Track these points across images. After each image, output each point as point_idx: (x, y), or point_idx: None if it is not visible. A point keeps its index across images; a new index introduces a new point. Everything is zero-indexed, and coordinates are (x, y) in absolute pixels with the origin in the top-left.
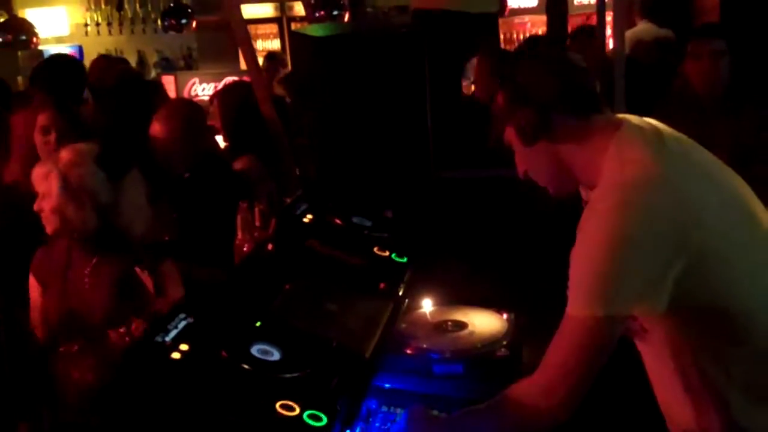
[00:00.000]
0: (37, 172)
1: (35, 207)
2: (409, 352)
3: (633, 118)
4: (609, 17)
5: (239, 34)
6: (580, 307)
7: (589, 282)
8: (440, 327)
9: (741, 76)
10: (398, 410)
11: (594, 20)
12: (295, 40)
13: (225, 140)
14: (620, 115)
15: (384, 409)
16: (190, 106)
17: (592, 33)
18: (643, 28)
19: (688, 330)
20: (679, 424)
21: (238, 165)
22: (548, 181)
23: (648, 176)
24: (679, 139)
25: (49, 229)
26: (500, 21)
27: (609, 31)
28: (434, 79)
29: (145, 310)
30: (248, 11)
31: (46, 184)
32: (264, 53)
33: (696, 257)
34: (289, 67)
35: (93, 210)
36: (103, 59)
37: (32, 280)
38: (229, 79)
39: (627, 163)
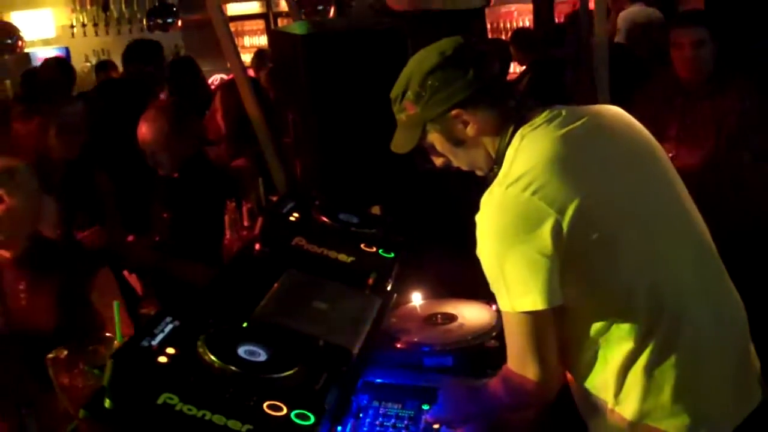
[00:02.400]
0: None
1: None
2: (399, 346)
3: (549, 108)
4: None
5: (221, 33)
6: (501, 304)
7: (493, 280)
8: (430, 320)
9: (725, 60)
10: (389, 405)
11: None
12: (277, 38)
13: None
14: (535, 105)
15: (375, 404)
16: (176, 104)
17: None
18: (634, 10)
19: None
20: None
21: (233, 164)
22: (476, 168)
23: (529, 177)
24: (586, 128)
25: None
26: (486, 11)
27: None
28: None
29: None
30: (234, 8)
31: None
32: (251, 50)
33: (572, 250)
34: None
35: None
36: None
37: None
38: (217, 76)
39: (514, 164)
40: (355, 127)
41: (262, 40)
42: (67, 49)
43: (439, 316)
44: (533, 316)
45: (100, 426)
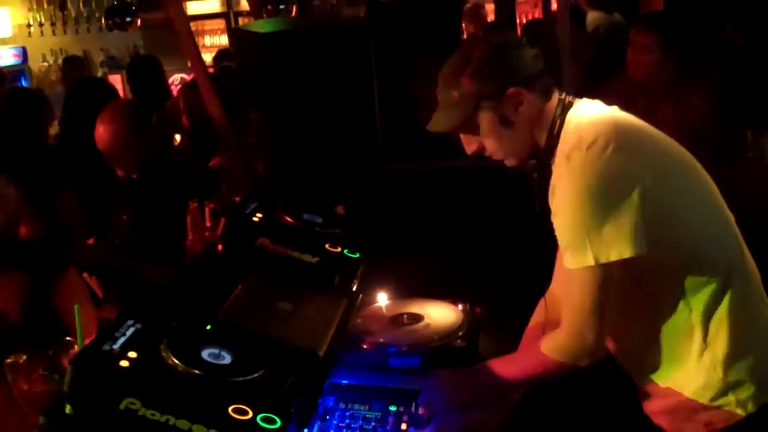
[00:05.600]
0: None
1: None
2: (365, 347)
3: (584, 99)
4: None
5: (182, 32)
6: (577, 260)
7: (575, 236)
8: (396, 321)
9: (688, 59)
10: (356, 406)
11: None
12: (239, 37)
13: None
14: (572, 97)
15: (341, 405)
16: (133, 105)
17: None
18: (595, 17)
19: (658, 276)
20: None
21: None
22: (511, 155)
23: (604, 139)
24: (627, 115)
25: None
26: None
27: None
28: (385, 71)
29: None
30: (194, 7)
31: None
32: (212, 49)
33: (655, 206)
34: None
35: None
36: None
37: None
38: (177, 76)
39: (584, 133)
40: (318, 126)
41: (223, 40)
42: (24, 49)
43: (405, 316)
44: (608, 269)
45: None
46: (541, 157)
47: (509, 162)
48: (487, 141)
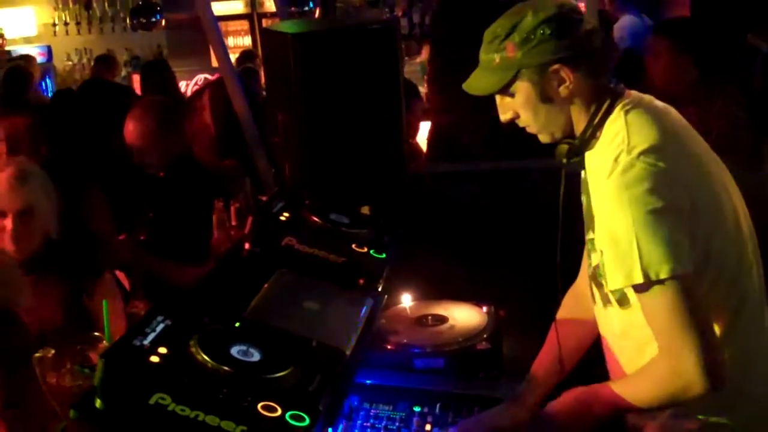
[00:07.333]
0: None
1: None
2: (389, 347)
3: (634, 92)
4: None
5: (210, 32)
6: (624, 278)
7: (627, 254)
8: (420, 322)
9: (711, 65)
10: (380, 406)
11: None
12: (268, 37)
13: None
14: (623, 86)
15: (366, 405)
16: (164, 103)
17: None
18: (632, 20)
19: None
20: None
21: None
22: (546, 132)
23: (657, 147)
24: (678, 119)
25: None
26: None
27: None
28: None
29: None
30: (218, 8)
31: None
32: (236, 50)
33: (697, 214)
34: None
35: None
36: None
37: None
38: (201, 76)
39: (636, 135)
40: (345, 127)
41: (246, 41)
42: (49, 48)
43: (429, 317)
44: (674, 284)
45: (90, 426)
46: (575, 144)
47: (542, 138)
48: (522, 112)
